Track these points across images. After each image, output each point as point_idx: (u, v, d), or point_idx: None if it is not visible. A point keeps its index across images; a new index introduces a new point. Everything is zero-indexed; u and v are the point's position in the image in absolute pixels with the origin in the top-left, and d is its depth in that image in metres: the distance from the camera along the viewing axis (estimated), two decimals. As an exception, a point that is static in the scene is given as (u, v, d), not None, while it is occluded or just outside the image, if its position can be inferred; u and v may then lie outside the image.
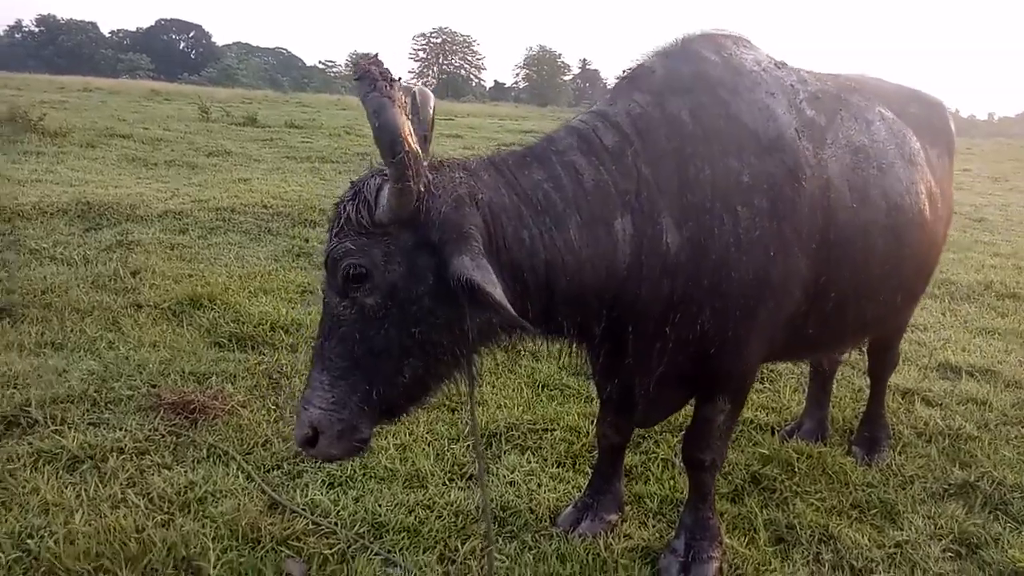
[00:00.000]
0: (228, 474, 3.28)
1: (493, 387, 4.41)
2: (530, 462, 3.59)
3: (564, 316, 2.38)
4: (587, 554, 2.89)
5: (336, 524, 2.96)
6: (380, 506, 3.12)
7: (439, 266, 2.06)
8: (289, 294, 5.96)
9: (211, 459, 3.42)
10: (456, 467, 3.52)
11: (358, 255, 2.06)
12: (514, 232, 2.19)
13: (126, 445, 3.40)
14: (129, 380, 4.06)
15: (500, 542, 2.96)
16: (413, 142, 1.94)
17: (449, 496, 3.24)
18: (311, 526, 2.94)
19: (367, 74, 1.95)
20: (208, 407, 3.80)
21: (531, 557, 2.87)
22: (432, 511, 3.13)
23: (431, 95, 2.48)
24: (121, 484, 3.11)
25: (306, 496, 3.16)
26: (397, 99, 1.95)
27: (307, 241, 7.72)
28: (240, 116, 20.83)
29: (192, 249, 7.11)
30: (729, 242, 2.34)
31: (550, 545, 2.94)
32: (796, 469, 3.64)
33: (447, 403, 4.08)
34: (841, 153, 2.63)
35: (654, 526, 3.16)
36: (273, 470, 3.40)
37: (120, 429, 3.54)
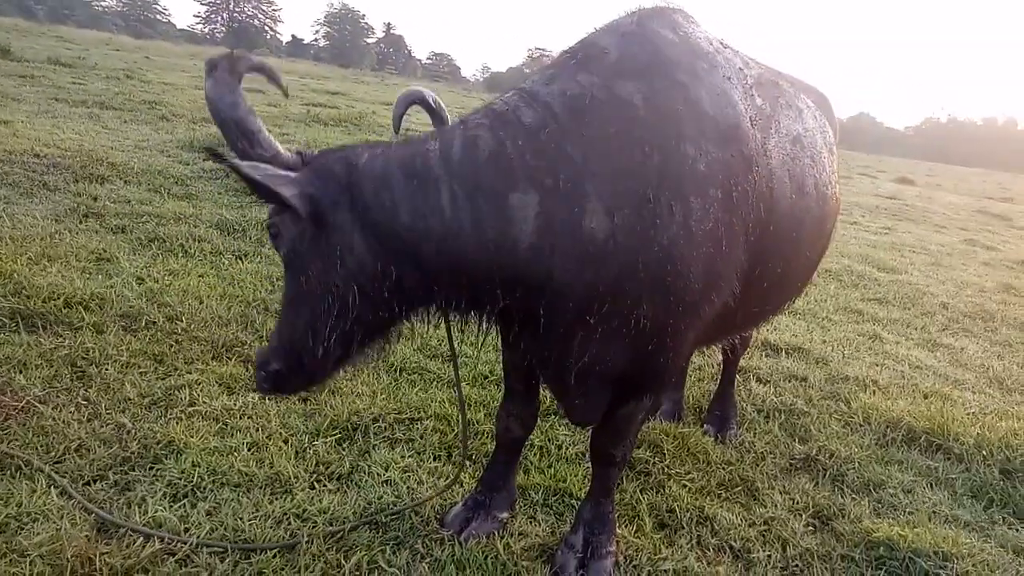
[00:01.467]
0: (36, 491, 2.62)
1: (347, 373, 4.02)
2: (404, 457, 3.29)
3: (446, 288, 2.25)
4: (485, 558, 2.68)
5: (196, 543, 2.47)
6: (241, 519, 2.67)
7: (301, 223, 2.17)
8: (81, 262, 5.03)
9: (8, 472, 2.72)
10: (321, 467, 3.13)
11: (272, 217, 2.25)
12: (374, 194, 2.15)
13: None
14: None
15: (387, 552, 2.65)
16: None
17: (320, 502, 2.86)
18: (160, 549, 2.43)
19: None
20: (-5, 405, 3.04)
21: (426, 567, 2.60)
22: (304, 521, 2.74)
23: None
24: None
25: (146, 513, 2.62)
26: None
27: (95, 199, 6.61)
28: (-13, 45, 17.59)
29: (-57, 204, 5.79)
30: (678, 234, 2.21)
31: (443, 551, 2.69)
32: (665, 451, 3.70)
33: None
34: (783, 142, 2.61)
35: (544, 520, 3.02)
36: (95, 482, 2.78)
37: None
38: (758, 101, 2.58)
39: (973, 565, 3.00)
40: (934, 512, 3.47)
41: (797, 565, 2.98)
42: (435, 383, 4.12)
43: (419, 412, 3.71)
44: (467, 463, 3.27)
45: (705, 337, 2.79)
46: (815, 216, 2.82)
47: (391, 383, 4.02)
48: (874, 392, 4.90)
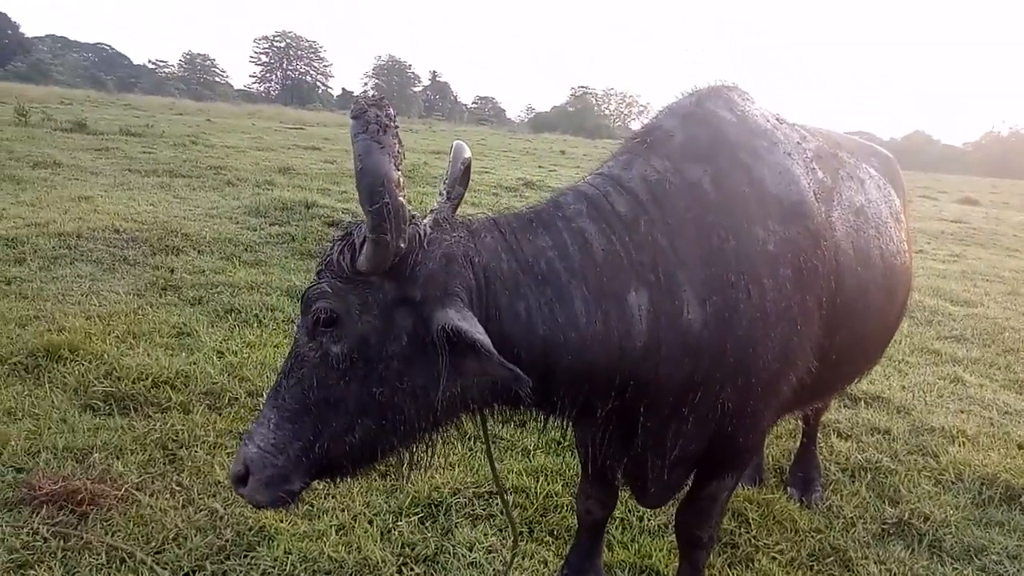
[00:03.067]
0: (140, 585, 2.72)
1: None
2: (487, 535, 3.29)
3: (564, 395, 2.16)
4: (578, 647, 2.65)
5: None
6: (335, 610, 2.71)
7: (416, 326, 1.90)
8: (164, 338, 5.24)
9: (113, 565, 2.83)
10: (407, 548, 3.15)
11: (332, 299, 1.91)
12: (509, 302, 2.00)
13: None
14: (-15, 464, 3.33)
15: (480, 641, 2.65)
16: (398, 194, 1.78)
17: (410, 587, 2.88)
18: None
19: (363, 114, 1.78)
20: (97, 495, 3.17)
21: (520, 657, 2.59)
22: (397, 610, 2.76)
23: (467, 149, 2.20)
24: (1, 615, 2.48)
25: (244, 606, 2.68)
26: (389, 146, 1.78)
27: (172, 272, 6.91)
28: (65, 121, 18.82)
29: (33, 284, 6.13)
30: (756, 316, 2.20)
31: (536, 639, 2.67)
32: (750, 519, 3.62)
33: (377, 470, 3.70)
34: (846, 215, 2.59)
35: (633, 601, 2.98)
36: (194, 573, 2.87)
37: (-16, 534, 2.86)
38: (819, 174, 2.58)
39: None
40: (1044, 582, 3.29)
41: (902, 646, 2.86)
42: (509, 452, 4.13)
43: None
44: (550, 540, 3.25)
45: (783, 411, 2.75)
46: (881, 287, 2.77)
47: (466, 453, 4.04)
48: (963, 444, 4.70)
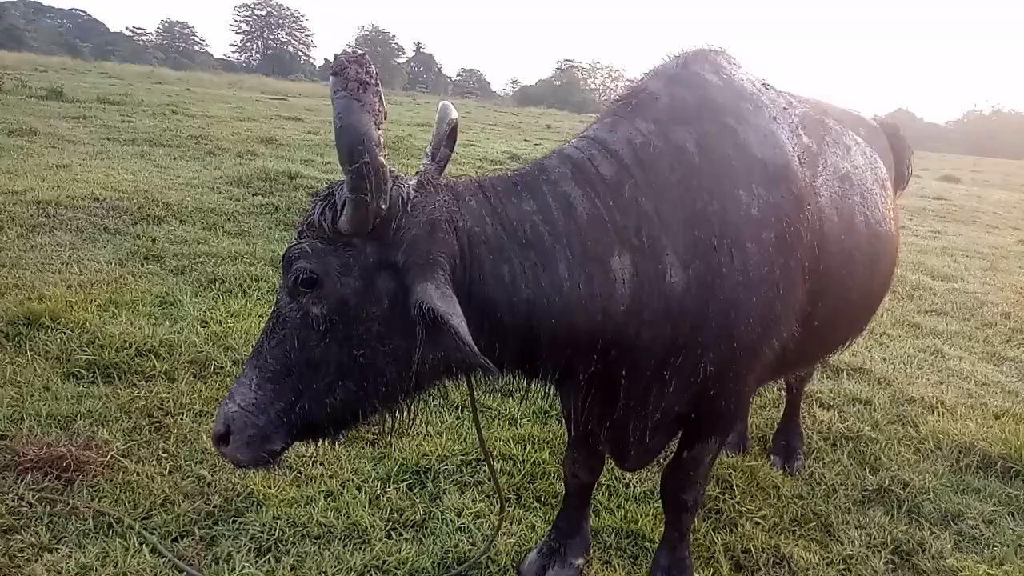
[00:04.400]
0: (128, 549, 2.71)
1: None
2: (475, 502, 3.31)
3: (546, 359, 2.18)
4: (566, 609, 2.69)
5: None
6: (325, 573, 2.72)
7: (398, 290, 1.90)
8: (147, 307, 5.18)
9: (100, 531, 2.82)
10: (396, 514, 3.16)
11: (312, 259, 1.89)
12: (493, 266, 2.00)
13: (-16, 524, 2.71)
14: (-33, 431, 3.29)
15: (469, 603, 2.68)
16: (378, 154, 1.76)
17: (399, 552, 2.90)
18: (250, 610, 2.49)
19: (343, 71, 1.76)
20: (83, 461, 3.15)
21: (509, 619, 2.62)
22: (385, 574, 2.78)
23: (453, 110, 2.16)
24: (-13, 579, 2.47)
25: (233, 570, 2.68)
26: (369, 105, 1.75)
27: (154, 241, 6.82)
28: (40, 88, 18.39)
29: (11, 252, 6.03)
30: (738, 280, 2.21)
31: (525, 602, 2.70)
32: (734, 486, 3.67)
33: (364, 436, 3.71)
34: (831, 181, 2.60)
35: (620, 564, 3.02)
36: (182, 538, 2.86)
37: (-32, 500, 2.84)
38: (804, 140, 2.57)
39: (1066, 604, 2.91)
40: (1020, 545, 3.37)
41: (881, 607, 2.92)
42: (497, 421, 4.15)
43: (485, 453, 3.73)
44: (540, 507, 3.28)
45: (765, 376, 2.78)
46: (866, 254, 2.79)
47: (454, 422, 4.05)
48: (942, 413, 4.79)
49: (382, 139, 1.79)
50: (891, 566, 3.18)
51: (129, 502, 3.01)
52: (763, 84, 2.62)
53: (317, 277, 1.88)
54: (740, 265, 2.21)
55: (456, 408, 4.21)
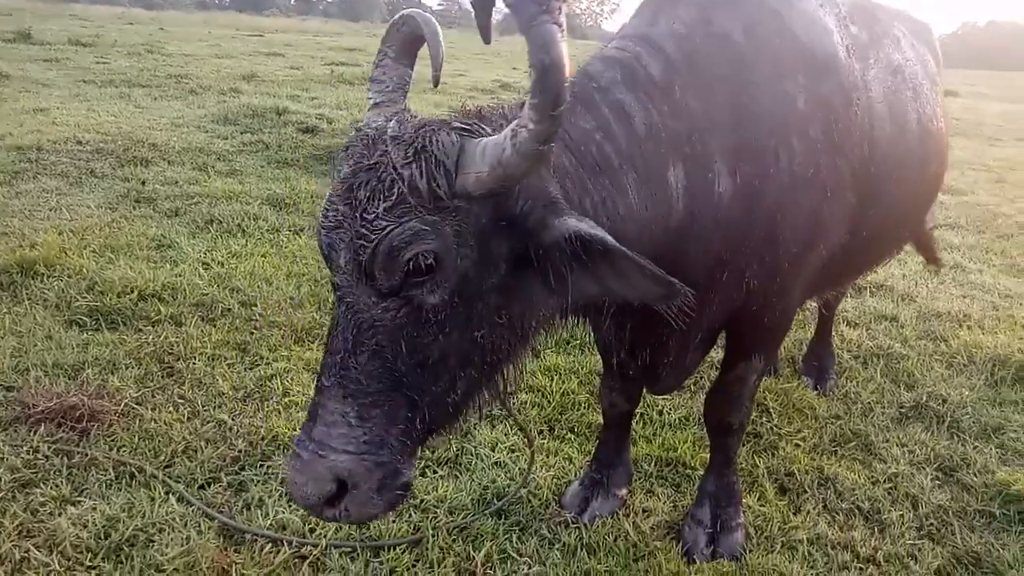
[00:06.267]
0: (155, 499, 2.58)
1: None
2: (507, 436, 3.19)
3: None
4: (615, 540, 2.59)
5: (325, 545, 2.42)
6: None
7: (514, 248, 1.60)
8: (144, 251, 4.97)
9: (123, 481, 2.69)
10: (428, 452, 3.03)
11: (429, 238, 1.50)
12: (579, 200, 1.74)
13: (1, 479, 2.57)
14: (-30, 385, 3.13)
15: (514, 540, 2.58)
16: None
17: (436, 491, 2.78)
18: (291, 554, 2.38)
19: None
20: (96, 411, 3.00)
21: (557, 554, 2.52)
22: (425, 512, 2.67)
23: (436, 25, 1.81)
24: (11, 536, 2.33)
25: (267, 515, 2.57)
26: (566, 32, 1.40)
27: (144, 184, 6.54)
28: (7, 31, 17.53)
29: (-4, 200, 5.75)
30: (784, 183, 2.02)
31: (571, 536, 2.60)
32: (770, 408, 3.57)
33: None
34: (883, 74, 2.38)
35: (663, 493, 2.92)
36: (209, 485, 2.74)
37: (-20, 456, 2.69)
38: (853, 29, 2.36)
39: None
40: (1066, 456, 3.30)
41: (932, 524, 2.84)
42: (520, 352, 4.00)
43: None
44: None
45: (810, 291, 2.62)
46: (918, 156, 2.59)
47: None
48: (970, 327, 4.68)
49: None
50: (937, 482, 3.10)
51: (149, 450, 2.87)
52: None
53: (438, 258, 1.53)
54: (786, 165, 2.03)
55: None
